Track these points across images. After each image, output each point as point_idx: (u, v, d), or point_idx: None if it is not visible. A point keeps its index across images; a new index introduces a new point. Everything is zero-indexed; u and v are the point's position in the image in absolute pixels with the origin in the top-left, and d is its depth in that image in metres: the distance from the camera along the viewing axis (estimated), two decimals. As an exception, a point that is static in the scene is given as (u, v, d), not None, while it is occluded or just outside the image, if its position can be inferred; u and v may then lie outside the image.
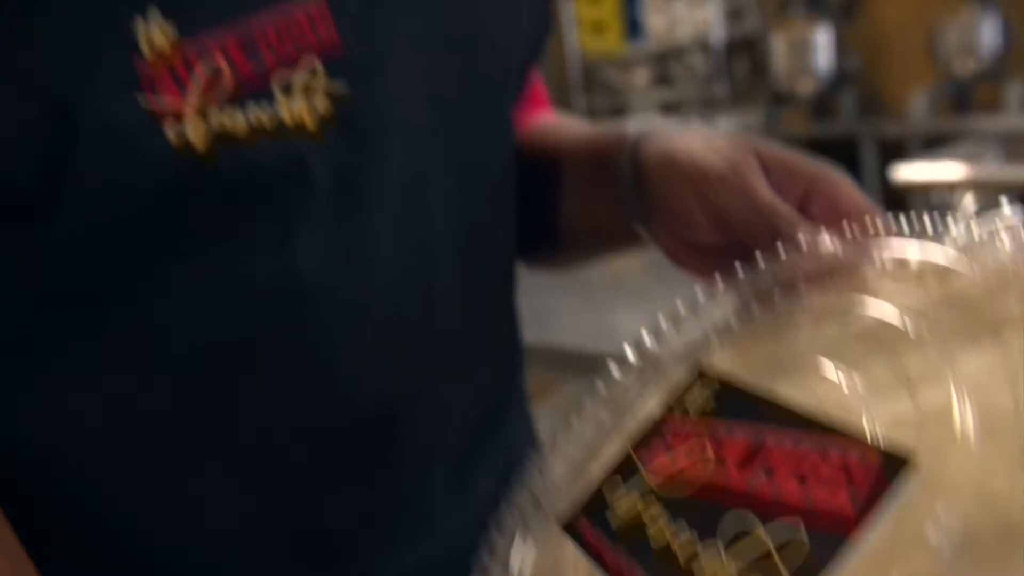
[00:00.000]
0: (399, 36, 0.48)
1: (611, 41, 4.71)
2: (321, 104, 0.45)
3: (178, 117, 0.42)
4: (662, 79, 4.64)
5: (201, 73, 0.42)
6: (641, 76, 4.67)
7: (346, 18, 0.45)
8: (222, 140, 0.42)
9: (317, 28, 0.45)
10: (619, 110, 4.83)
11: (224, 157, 0.42)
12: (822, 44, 3.91)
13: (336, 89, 0.45)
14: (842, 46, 3.94)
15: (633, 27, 4.64)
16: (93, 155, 0.41)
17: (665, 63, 4.61)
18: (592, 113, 4.88)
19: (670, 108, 4.65)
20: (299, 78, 0.44)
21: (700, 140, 0.48)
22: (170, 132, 0.41)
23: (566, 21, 4.85)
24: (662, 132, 0.51)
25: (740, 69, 4.38)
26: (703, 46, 4.37)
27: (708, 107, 4.40)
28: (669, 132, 0.51)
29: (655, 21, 4.50)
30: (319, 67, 0.44)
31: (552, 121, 0.66)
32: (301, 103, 0.44)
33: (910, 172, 2.44)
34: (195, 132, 0.42)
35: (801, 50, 3.95)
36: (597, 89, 4.90)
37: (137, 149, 0.41)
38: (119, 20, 0.41)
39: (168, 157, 0.41)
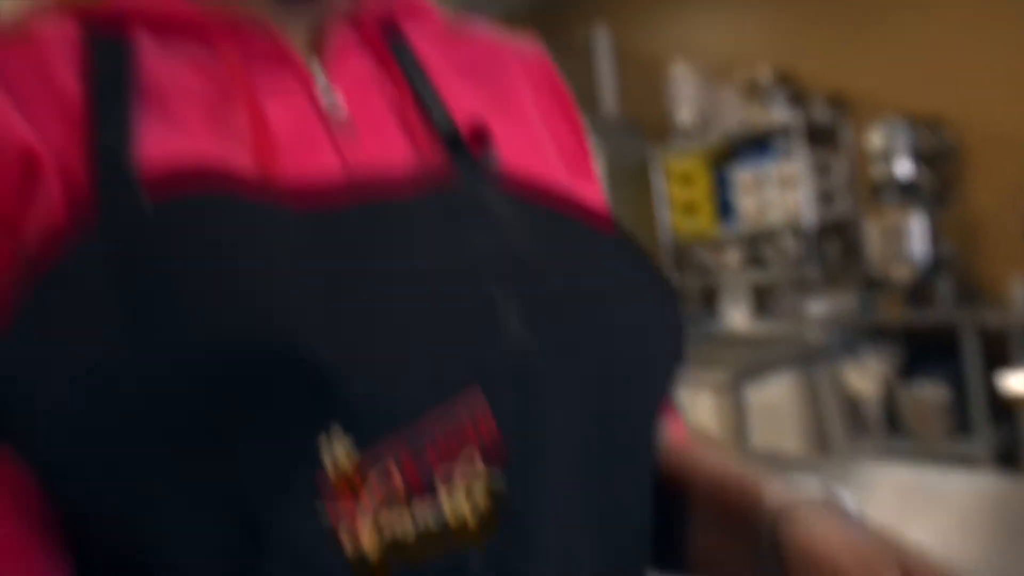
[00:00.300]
0: (554, 424, 0.51)
1: (703, 223, 4.79)
2: (481, 501, 0.47)
3: (352, 526, 0.45)
4: (754, 260, 4.67)
5: (375, 481, 0.46)
6: (733, 257, 4.72)
7: (506, 414, 0.48)
8: (393, 549, 0.45)
9: (478, 425, 0.48)
10: (711, 290, 4.86)
11: (395, 568, 0.45)
12: (916, 231, 3.91)
13: (495, 484, 0.48)
14: (937, 232, 3.94)
15: (725, 209, 4.72)
16: (275, 567, 0.44)
17: (757, 245, 4.65)
18: (684, 292, 4.91)
19: (762, 290, 4.66)
20: (460, 472, 0.48)
21: (843, 539, 0.50)
22: (347, 544, 0.44)
23: (659, 202, 4.96)
24: (802, 512, 0.53)
25: (832, 252, 4.40)
26: (795, 229, 4.41)
27: (800, 289, 4.40)
28: (808, 513, 0.53)
29: (746, 204, 4.58)
30: (479, 462, 0.48)
31: (683, 446, 0.68)
32: (463, 500, 0.47)
33: (1019, 383, 2.38)
34: (369, 542, 0.45)
35: (895, 236, 3.95)
36: (689, 269, 4.95)
37: (316, 562, 0.44)
38: (305, 439, 0.45)
39: (345, 571, 0.44)
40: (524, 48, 0.72)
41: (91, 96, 0.53)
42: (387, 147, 0.58)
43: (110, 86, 0.54)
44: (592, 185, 0.69)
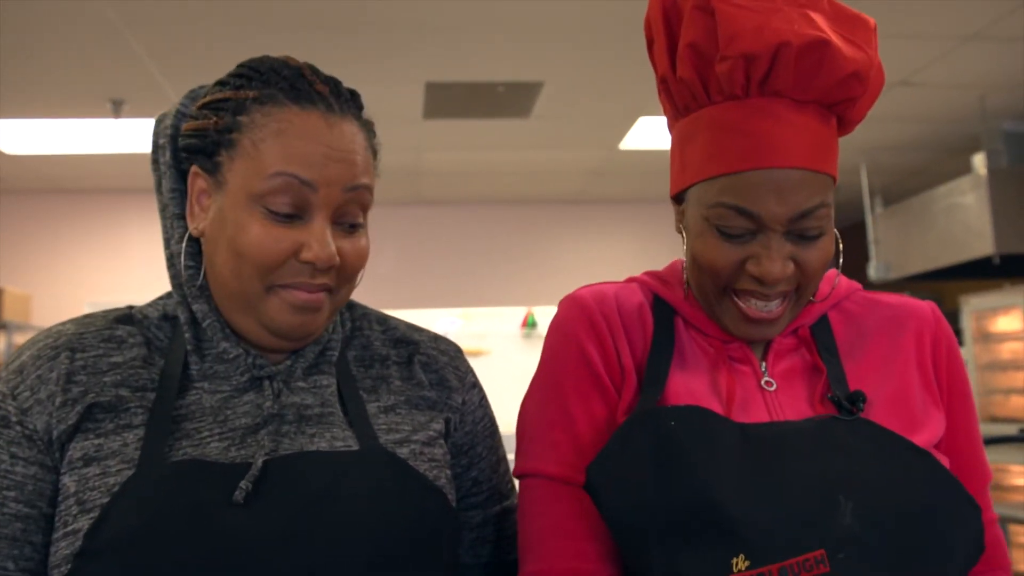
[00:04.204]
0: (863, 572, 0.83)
1: None
2: None
3: None
4: None
5: None
6: None
7: (836, 566, 0.83)
8: None
9: (819, 569, 0.85)
10: None
11: None
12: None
13: None
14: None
15: None
16: None
17: None
18: None
19: None
20: None
21: None
22: None
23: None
24: None
25: None
26: None
27: None
28: None
29: None
30: None
31: None
32: None
33: None
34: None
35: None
36: None
37: None
38: (723, 558, 0.85)
39: None
40: (920, 310, 1.09)
41: (654, 336, 1.03)
42: (797, 410, 0.99)
43: (664, 336, 1.04)
44: (935, 425, 1.01)
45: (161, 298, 1.04)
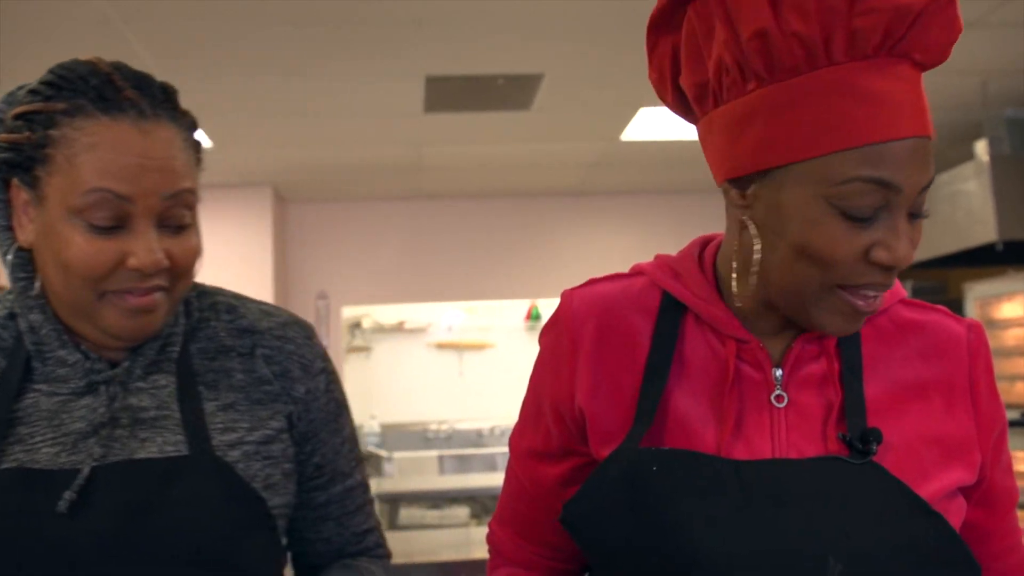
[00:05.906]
0: None
1: None
2: None
3: None
4: None
5: None
6: None
7: None
8: None
9: None
10: None
11: None
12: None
13: None
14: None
15: None
16: None
17: None
18: None
19: None
20: None
21: None
22: None
23: None
24: None
25: None
26: None
27: None
28: None
29: None
30: None
31: None
32: None
33: None
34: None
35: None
36: None
37: None
38: None
39: None
40: (956, 341, 0.96)
41: (651, 354, 0.94)
42: (806, 438, 0.91)
43: (663, 347, 0.94)
44: (962, 471, 0.93)
45: (8, 293, 1.06)
